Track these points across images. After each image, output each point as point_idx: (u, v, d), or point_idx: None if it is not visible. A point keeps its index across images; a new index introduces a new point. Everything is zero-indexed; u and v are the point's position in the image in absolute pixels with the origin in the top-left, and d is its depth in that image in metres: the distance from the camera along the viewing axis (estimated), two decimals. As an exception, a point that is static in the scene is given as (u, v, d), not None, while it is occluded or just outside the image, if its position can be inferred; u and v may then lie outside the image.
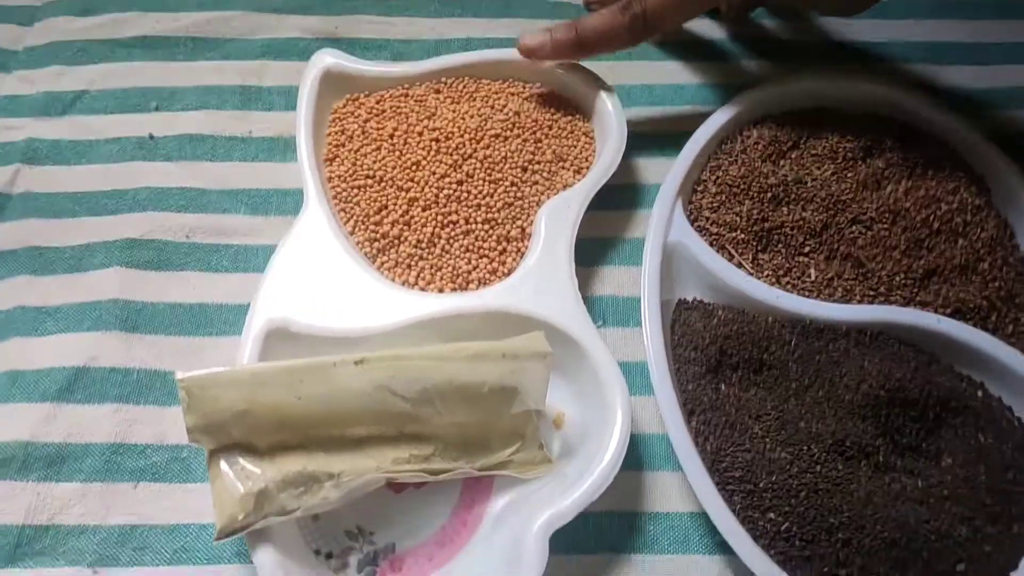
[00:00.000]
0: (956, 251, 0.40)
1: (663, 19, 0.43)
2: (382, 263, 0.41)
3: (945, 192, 0.41)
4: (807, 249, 0.41)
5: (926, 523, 0.33)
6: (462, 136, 0.43)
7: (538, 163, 0.43)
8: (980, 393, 0.37)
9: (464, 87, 0.46)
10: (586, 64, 0.48)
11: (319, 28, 0.51)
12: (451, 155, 0.43)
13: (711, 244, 0.42)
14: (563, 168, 0.44)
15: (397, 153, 0.43)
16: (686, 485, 0.36)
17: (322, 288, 0.39)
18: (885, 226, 0.41)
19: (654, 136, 0.47)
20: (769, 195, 0.42)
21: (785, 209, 0.42)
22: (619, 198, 0.45)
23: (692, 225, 0.42)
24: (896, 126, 0.45)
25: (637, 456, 0.38)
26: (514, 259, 0.41)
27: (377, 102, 0.45)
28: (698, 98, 0.49)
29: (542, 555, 0.32)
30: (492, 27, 0.52)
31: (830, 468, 0.35)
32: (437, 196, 0.42)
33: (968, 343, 0.38)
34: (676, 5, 0.43)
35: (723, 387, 0.38)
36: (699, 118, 0.46)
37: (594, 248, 0.43)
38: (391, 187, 0.42)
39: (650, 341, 0.38)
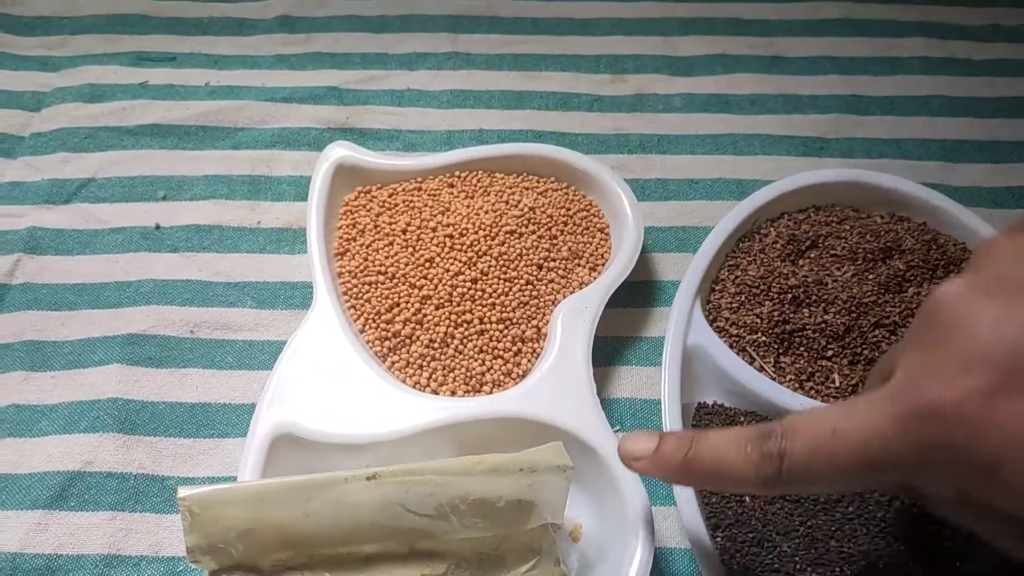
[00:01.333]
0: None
1: (805, 478, 0.27)
2: (393, 363, 0.40)
3: (968, 296, 0.41)
4: (830, 353, 0.40)
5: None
6: (477, 232, 0.42)
7: (553, 260, 0.43)
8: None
9: (478, 181, 0.46)
10: (598, 156, 0.48)
11: (331, 118, 0.51)
12: (465, 252, 0.42)
13: (731, 346, 0.41)
14: (579, 265, 0.43)
15: (410, 249, 0.42)
16: (713, 605, 0.34)
17: (330, 390, 0.38)
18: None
19: (669, 230, 0.47)
20: (790, 296, 0.41)
21: (806, 311, 0.41)
22: (634, 295, 0.44)
23: (711, 326, 0.41)
24: (915, 226, 0.44)
25: (659, 571, 0.36)
26: (529, 360, 0.40)
27: (390, 195, 0.45)
28: (712, 192, 0.49)
29: None
30: (504, 119, 0.52)
31: (863, 593, 0.33)
32: (451, 294, 0.41)
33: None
34: (829, 460, 0.26)
35: (748, 500, 0.37)
36: (715, 212, 0.45)
37: (610, 347, 0.42)
38: (403, 284, 0.41)
39: (671, 451, 0.36)
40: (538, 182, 0.46)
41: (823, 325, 0.40)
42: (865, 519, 0.35)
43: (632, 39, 0.57)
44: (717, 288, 0.43)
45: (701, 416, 0.39)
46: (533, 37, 0.57)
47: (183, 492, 0.31)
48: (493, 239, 0.42)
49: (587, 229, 0.44)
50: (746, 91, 0.54)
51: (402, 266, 0.42)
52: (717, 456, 0.29)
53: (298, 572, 0.32)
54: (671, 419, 0.37)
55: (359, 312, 0.41)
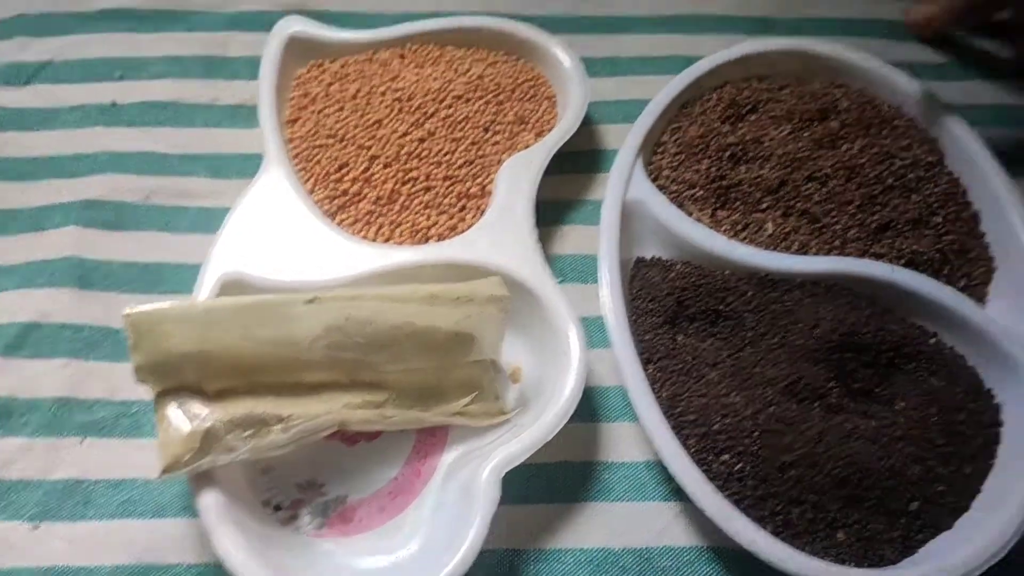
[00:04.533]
0: (910, 206, 0.41)
1: None
2: (341, 220, 0.41)
3: (899, 149, 0.42)
4: (764, 206, 0.41)
5: (879, 461, 0.33)
6: (424, 96, 0.43)
7: (500, 124, 0.44)
8: (933, 340, 0.38)
9: (429, 53, 0.46)
10: (551, 34, 0.49)
11: (288, 1, 0.52)
12: (413, 114, 0.43)
13: (671, 201, 0.42)
14: (525, 130, 0.44)
15: (359, 113, 0.43)
16: (642, 434, 0.36)
17: (279, 242, 0.39)
18: (840, 182, 0.41)
19: (618, 103, 0.48)
20: (728, 154, 0.43)
21: (743, 167, 0.42)
22: (582, 162, 0.45)
23: (652, 184, 0.43)
24: (852, 91, 0.46)
25: (594, 408, 0.38)
26: (474, 216, 0.41)
27: (341, 67, 0.46)
28: (662, 68, 0.49)
29: (494, 495, 0.32)
30: (462, 1, 0.52)
31: (783, 409, 0.35)
32: (398, 153, 0.42)
33: (921, 292, 0.38)
34: None
35: (680, 337, 0.38)
36: (663, 86, 0.46)
37: (556, 210, 0.44)
38: (352, 145, 0.42)
39: (608, 291, 0.38)
40: (488, 54, 0.47)
41: (759, 180, 0.42)
42: (788, 348, 0.37)
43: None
44: (659, 150, 0.44)
45: (639, 268, 0.41)
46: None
47: (128, 309, 0.32)
48: (441, 102, 0.43)
49: (534, 97, 0.45)
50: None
51: (351, 128, 0.43)
52: None
53: (242, 398, 0.34)
54: (609, 266, 0.39)
55: (309, 174, 0.42)
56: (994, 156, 0.42)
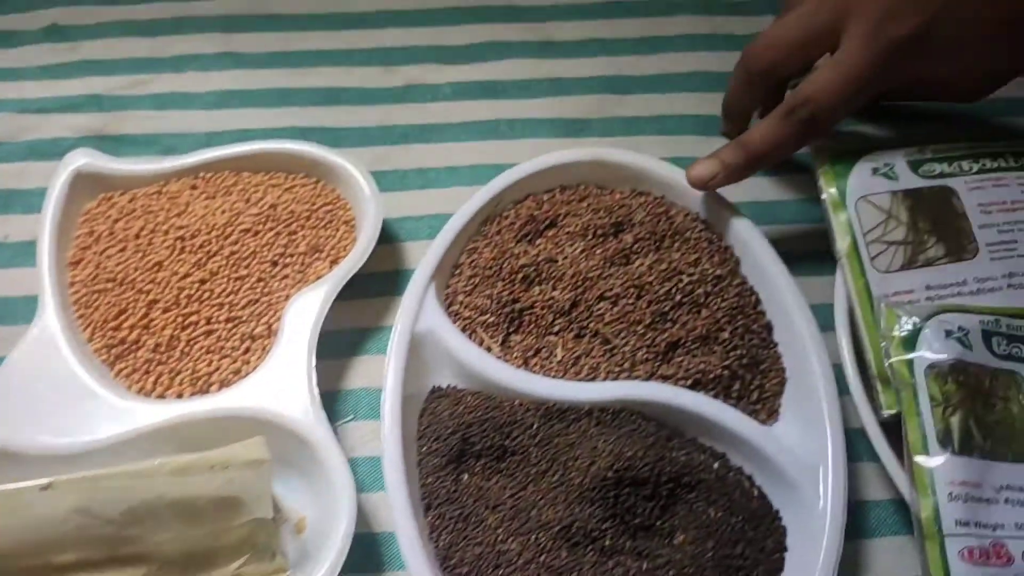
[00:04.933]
0: (698, 322, 0.41)
1: (834, 118, 0.43)
2: (120, 370, 0.40)
3: (687, 264, 0.42)
4: (556, 328, 0.41)
5: (647, 609, 0.33)
6: (209, 233, 0.42)
7: (290, 256, 0.43)
8: (716, 465, 0.37)
9: (223, 181, 0.46)
10: (362, 149, 0.49)
11: (88, 126, 0.51)
12: (195, 253, 0.42)
13: (463, 329, 0.41)
14: (318, 259, 0.43)
15: (140, 254, 0.42)
16: (424, 585, 0.35)
17: (46, 402, 0.37)
18: (630, 301, 0.41)
19: (424, 219, 0.48)
20: (520, 276, 0.42)
21: (537, 289, 0.42)
22: (381, 285, 0.45)
23: (447, 310, 0.42)
24: (651, 200, 0.46)
25: (379, 558, 0.37)
26: (259, 357, 0.40)
27: (130, 201, 0.45)
28: (472, 178, 0.49)
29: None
30: (270, 118, 0.52)
31: (554, 557, 0.34)
32: (178, 297, 0.41)
33: (704, 415, 0.38)
34: (847, 98, 0.41)
35: (465, 477, 0.37)
36: (471, 195, 0.46)
37: (351, 339, 0.43)
38: (131, 290, 0.41)
39: (387, 434, 0.37)
40: (286, 179, 0.46)
41: (551, 301, 0.41)
42: (565, 487, 0.36)
43: (407, 31, 0.57)
44: (456, 272, 0.44)
45: (430, 402, 0.40)
46: (309, 34, 0.57)
47: None
48: (227, 238, 0.42)
49: (331, 223, 0.45)
50: (515, 77, 0.54)
51: (131, 271, 0.41)
52: (766, 141, 0.43)
53: (-15, 587, 0.32)
54: (390, 406, 0.38)
55: (88, 321, 0.40)
56: (780, 262, 0.42)
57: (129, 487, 0.33)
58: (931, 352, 0.36)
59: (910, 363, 0.36)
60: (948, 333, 0.37)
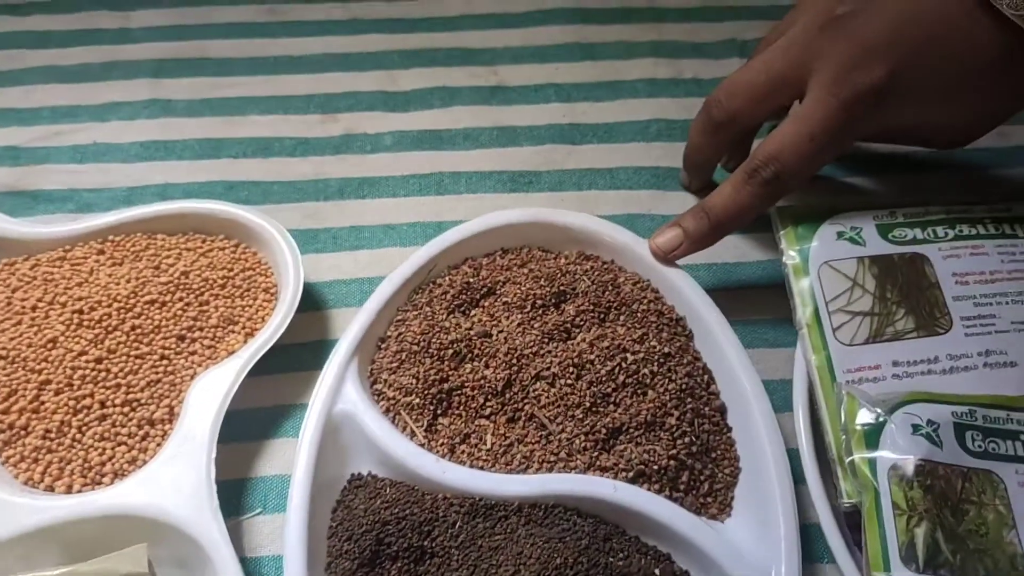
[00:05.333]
0: (644, 406, 0.37)
1: (801, 177, 0.40)
2: (8, 458, 0.36)
3: (632, 341, 0.38)
4: (488, 411, 0.38)
5: None
6: (111, 305, 0.39)
7: (200, 329, 0.39)
8: (659, 572, 0.34)
9: (133, 245, 0.42)
10: (293, 205, 0.45)
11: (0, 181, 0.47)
12: (93, 328, 0.38)
13: (387, 411, 0.38)
14: (232, 332, 0.40)
15: (35, 329, 0.38)
16: None
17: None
18: (569, 381, 0.37)
19: (355, 283, 0.44)
20: (451, 352, 0.39)
21: (468, 367, 0.39)
22: (303, 358, 0.41)
23: (371, 389, 0.39)
24: (598, 265, 0.42)
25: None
26: (158, 444, 0.36)
27: (31, 268, 0.41)
28: (408, 238, 0.46)
29: None
30: (195, 171, 0.48)
31: None
32: (71, 378, 0.37)
33: (646, 513, 0.34)
34: (814, 155, 0.39)
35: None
36: (407, 256, 0.42)
37: (267, 418, 0.39)
38: (23, 368, 0.37)
39: (291, 533, 0.33)
40: (203, 242, 0.43)
41: (482, 381, 0.38)
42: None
43: (349, 75, 0.54)
44: (382, 347, 0.40)
45: (346, 493, 0.36)
46: (244, 79, 0.53)
47: None
48: (128, 311, 0.39)
49: (249, 291, 0.41)
50: (462, 125, 0.51)
51: (24, 348, 0.38)
52: (729, 207, 0.40)
53: None
54: (296, 502, 0.34)
55: (-25, 403, 0.37)
56: (735, 338, 0.39)
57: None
58: (895, 452, 0.32)
59: (872, 462, 0.32)
60: (915, 428, 0.33)
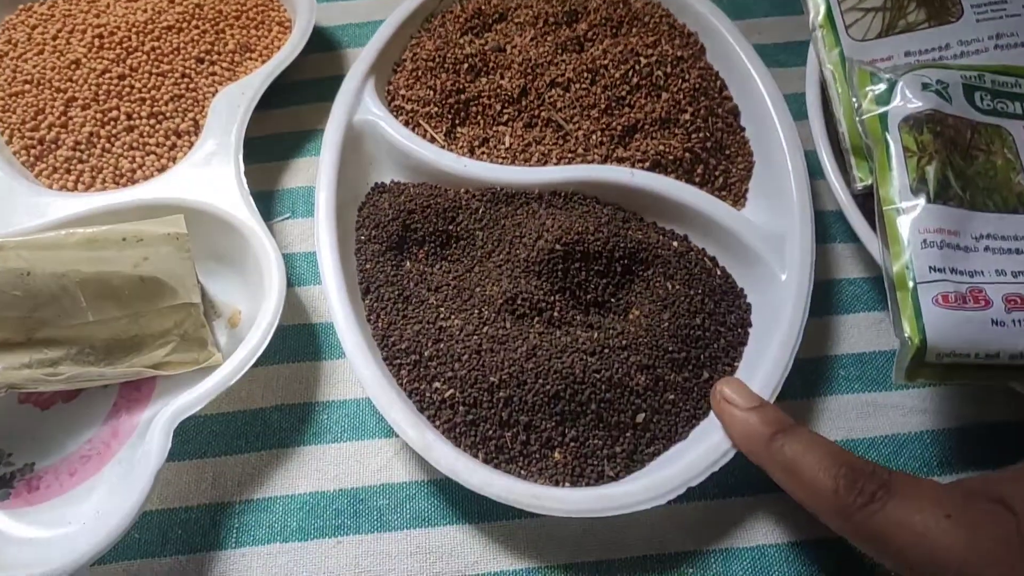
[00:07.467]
0: (658, 105, 0.38)
1: (878, 535, 0.25)
2: (40, 171, 0.37)
3: (644, 46, 0.39)
4: (505, 118, 0.38)
5: (595, 373, 0.30)
6: (129, 30, 0.39)
7: (218, 54, 0.40)
8: (676, 244, 0.35)
9: (146, -16, 0.42)
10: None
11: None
12: (114, 49, 0.39)
13: (406, 123, 0.39)
14: (250, 59, 0.40)
15: (57, 54, 0.39)
16: (362, 370, 0.33)
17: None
18: (584, 86, 0.38)
19: (365, 25, 0.44)
20: (466, 66, 0.39)
21: (484, 79, 0.39)
22: (318, 91, 0.42)
23: (389, 106, 0.39)
24: (608, -11, 0.42)
25: (317, 347, 0.35)
26: (186, 154, 0.37)
27: (49, 8, 0.42)
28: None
29: (161, 449, 0.29)
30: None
31: (497, 328, 0.32)
32: (96, 93, 0.38)
33: (663, 194, 0.35)
34: (900, 548, 0.25)
35: (408, 263, 0.35)
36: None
37: (289, 143, 0.40)
38: (48, 89, 0.38)
39: (323, 220, 0.34)
40: (214, -19, 0.43)
41: (499, 90, 0.38)
42: (511, 264, 0.34)
43: None
44: (398, 69, 0.41)
45: (372, 195, 0.37)
46: None
47: None
48: (148, 35, 0.39)
49: (263, 23, 0.42)
50: None
51: (48, 71, 0.38)
52: (798, 459, 0.27)
53: None
54: (325, 195, 0.35)
55: (6, 125, 0.38)
56: (749, 45, 0.39)
57: (34, 259, 0.30)
58: (905, 104, 0.33)
59: (883, 117, 0.33)
60: (925, 86, 0.33)
